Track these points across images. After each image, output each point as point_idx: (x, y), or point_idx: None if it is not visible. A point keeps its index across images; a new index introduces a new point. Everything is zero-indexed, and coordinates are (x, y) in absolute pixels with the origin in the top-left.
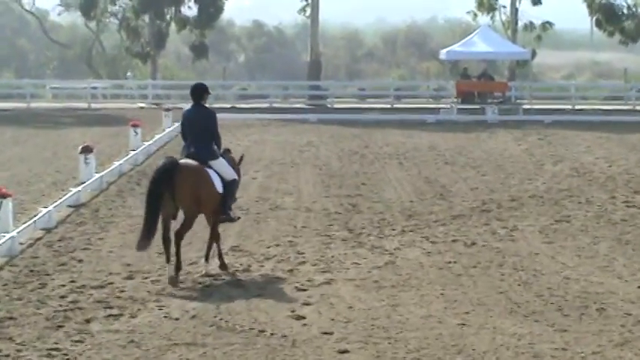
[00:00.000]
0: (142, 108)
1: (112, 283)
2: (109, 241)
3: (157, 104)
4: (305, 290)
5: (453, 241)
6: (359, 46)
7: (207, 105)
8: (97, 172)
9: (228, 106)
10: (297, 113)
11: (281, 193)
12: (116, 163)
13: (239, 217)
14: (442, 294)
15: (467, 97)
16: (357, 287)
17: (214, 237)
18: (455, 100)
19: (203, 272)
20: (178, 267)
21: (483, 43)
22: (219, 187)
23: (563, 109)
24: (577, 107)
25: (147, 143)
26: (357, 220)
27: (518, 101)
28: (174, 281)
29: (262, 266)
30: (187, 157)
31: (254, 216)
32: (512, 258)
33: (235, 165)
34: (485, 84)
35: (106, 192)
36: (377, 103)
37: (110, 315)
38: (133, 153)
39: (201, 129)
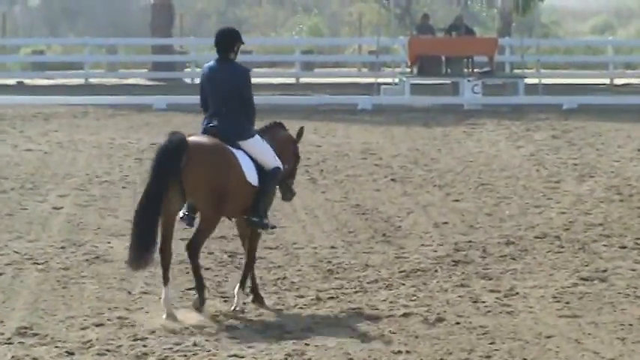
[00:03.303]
0: None
1: None
2: None
3: None
4: None
5: (405, 315)
6: None
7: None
8: None
9: (12, 82)
10: (132, 94)
11: (105, 234)
12: None
13: (274, 227)
14: None
15: (428, 64)
16: None
17: (252, 255)
18: (407, 70)
19: (235, 306)
20: (201, 288)
21: None
22: (252, 177)
23: (595, 86)
24: (617, 82)
25: None
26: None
27: (516, 72)
28: (198, 306)
29: None
30: (207, 132)
31: (59, 274)
32: (507, 344)
33: (286, 146)
34: (459, 42)
35: None
36: (272, 76)
37: None
38: None
39: (228, 95)
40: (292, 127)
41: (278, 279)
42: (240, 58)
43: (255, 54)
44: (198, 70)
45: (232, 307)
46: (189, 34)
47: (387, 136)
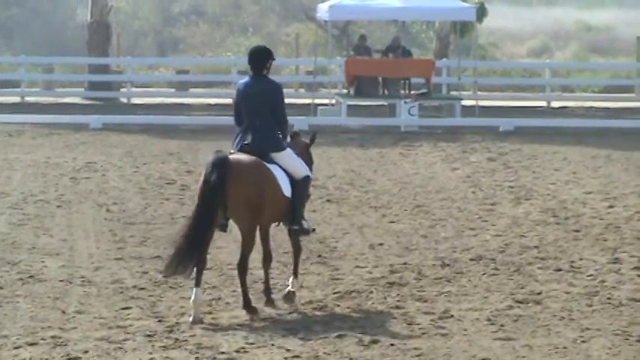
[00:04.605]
0: None
1: None
2: None
3: None
4: None
5: (340, 336)
6: None
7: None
8: None
9: None
10: (69, 113)
11: (40, 254)
12: None
13: (314, 229)
14: None
15: (365, 85)
16: None
17: (297, 249)
18: (344, 91)
19: (291, 289)
20: (248, 303)
21: None
22: (286, 189)
23: (533, 108)
24: (555, 104)
25: None
26: (172, 300)
27: (453, 93)
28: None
29: None
30: (242, 150)
31: None
32: None
33: (304, 151)
34: (396, 64)
35: None
36: (207, 97)
37: None
38: None
39: (261, 109)
40: (228, 147)
41: (213, 299)
42: (172, 79)
43: (192, 74)
44: (135, 89)
45: (288, 290)
46: (126, 53)
47: (323, 157)
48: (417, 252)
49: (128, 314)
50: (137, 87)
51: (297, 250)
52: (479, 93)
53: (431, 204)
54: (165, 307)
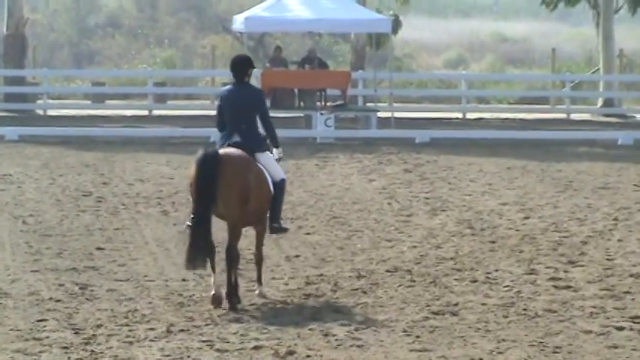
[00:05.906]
0: None
1: None
2: None
3: None
4: None
5: (256, 347)
6: (92, 9)
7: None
8: None
9: None
10: None
11: None
12: None
13: (288, 229)
14: None
15: (280, 97)
16: None
17: (261, 253)
18: None
19: (257, 292)
20: (232, 291)
21: (307, 4)
22: (271, 185)
23: (448, 120)
24: (471, 116)
25: None
26: (88, 311)
27: (369, 105)
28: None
29: None
30: (229, 146)
31: None
32: None
33: None
34: (312, 75)
35: None
36: (126, 109)
37: None
38: None
39: (246, 113)
40: (145, 159)
41: (129, 311)
42: (89, 91)
43: (108, 86)
44: (51, 101)
45: (257, 293)
46: (42, 65)
47: None
48: (333, 263)
49: (44, 326)
50: (53, 99)
51: (259, 260)
52: (395, 105)
53: (347, 215)
54: (82, 318)
